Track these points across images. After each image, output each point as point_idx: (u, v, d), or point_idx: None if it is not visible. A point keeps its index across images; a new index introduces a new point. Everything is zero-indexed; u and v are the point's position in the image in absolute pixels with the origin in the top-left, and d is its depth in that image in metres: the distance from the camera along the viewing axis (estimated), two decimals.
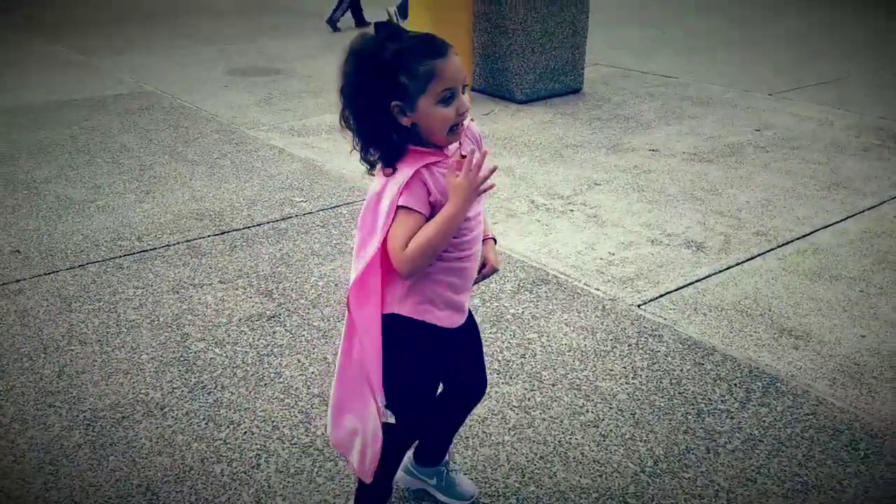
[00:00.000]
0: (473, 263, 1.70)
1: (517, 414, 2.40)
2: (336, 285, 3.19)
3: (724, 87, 6.43)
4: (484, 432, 2.32)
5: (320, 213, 3.94)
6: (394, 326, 1.66)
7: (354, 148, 1.59)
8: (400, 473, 2.03)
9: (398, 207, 1.52)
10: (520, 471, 2.17)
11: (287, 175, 4.46)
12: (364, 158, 1.59)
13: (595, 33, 8.16)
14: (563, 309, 3.01)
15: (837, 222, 3.77)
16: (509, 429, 2.34)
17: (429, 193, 1.54)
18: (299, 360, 2.67)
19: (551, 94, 6.10)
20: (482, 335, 1.99)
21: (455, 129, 1.55)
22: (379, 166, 1.58)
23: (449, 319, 1.70)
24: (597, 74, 6.87)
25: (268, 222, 3.81)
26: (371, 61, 1.49)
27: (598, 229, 3.73)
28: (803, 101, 6.03)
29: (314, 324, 2.91)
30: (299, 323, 2.91)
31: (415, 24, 5.93)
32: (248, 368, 2.62)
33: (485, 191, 1.54)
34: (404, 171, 1.54)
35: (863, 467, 2.16)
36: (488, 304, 3.04)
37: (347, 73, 1.52)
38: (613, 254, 3.47)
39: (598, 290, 3.15)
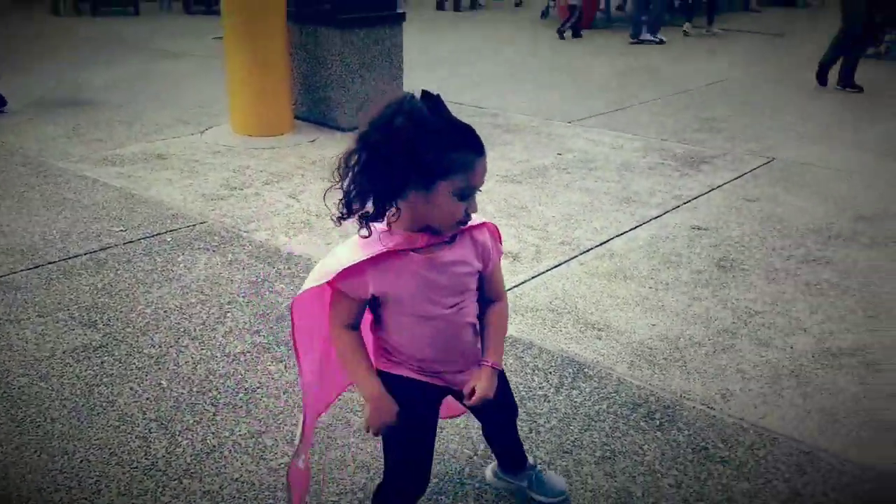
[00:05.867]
0: (448, 333, 1.70)
1: (359, 417, 2.53)
2: (166, 312, 3.15)
3: (528, 117, 7.00)
4: (329, 437, 2.43)
5: (143, 241, 3.85)
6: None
7: (349, 198, 1.54)
8: (492, 479, 2.19)
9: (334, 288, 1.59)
10: (365, 468, 2.30)
11: (102, 205, 4.30)
12: (349, 210, 1.55)
13: (418, 69, 8.54)
14: None
15: (629, 231, 4.28)
16: (353, 431, 2.46)
17: (370, 285, 1.58)
18: (132, 388, 2.63)
19: None
20: None
21: (459, 225, 1.58)
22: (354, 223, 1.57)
23: (420, 376, 1.72)
24: None
25: (85, 253, 3.67)
26: (422, 127, 1.46)
27: None
28: (598, 127, 6.72)
29: (145, 351, 2.86)
30: (128, 351, 2.85)
31: (229, 49, 5.91)
32: (78, 400, 2.54)
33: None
34: (358, 249, 1.56)
35: (659, 434, 2.52)
36: None
37: (393, 125, 1.47)
38: None
39: None
